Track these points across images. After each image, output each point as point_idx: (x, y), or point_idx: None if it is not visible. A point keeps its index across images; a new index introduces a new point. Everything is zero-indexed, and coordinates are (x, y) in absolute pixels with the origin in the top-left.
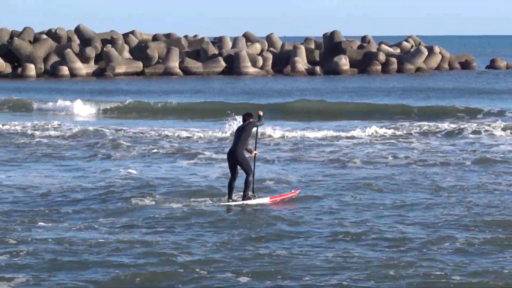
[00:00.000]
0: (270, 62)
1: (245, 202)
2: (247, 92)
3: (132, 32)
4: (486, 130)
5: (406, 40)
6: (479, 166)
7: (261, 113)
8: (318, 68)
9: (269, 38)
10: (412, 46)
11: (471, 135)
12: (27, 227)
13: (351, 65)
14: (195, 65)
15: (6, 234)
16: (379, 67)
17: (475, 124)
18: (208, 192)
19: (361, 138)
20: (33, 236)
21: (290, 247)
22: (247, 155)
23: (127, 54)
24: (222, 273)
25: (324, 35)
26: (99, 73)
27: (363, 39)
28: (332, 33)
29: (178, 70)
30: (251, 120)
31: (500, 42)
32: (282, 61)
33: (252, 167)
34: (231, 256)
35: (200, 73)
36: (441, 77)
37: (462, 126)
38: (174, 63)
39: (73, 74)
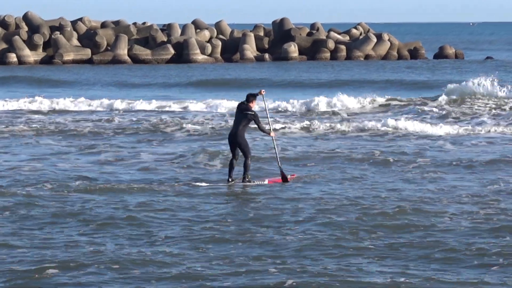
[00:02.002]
0: (219, 49)
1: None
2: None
3: (81, 19)
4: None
5: (355, 28)
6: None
7: (263, 92)
8: (267, 55)
9: (218, 25)
10: (361, 34)
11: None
12: None
13: (300, 52)
14: (144, 52)
15: None
16: (328, 54)
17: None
18: None
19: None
20: None
21: None
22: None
23: (75, 41)
24: None
25: (274, 22)
26: (47, 60)
27: (312, 26)
28: (282, 20)
29: (127, 58)
30: (253, 102)
31: (449, 29)
32: (231, 48)
33: (274, 151)
34: None
35: (149, 60)
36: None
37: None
38: (123, 50)
39: (21, 61)
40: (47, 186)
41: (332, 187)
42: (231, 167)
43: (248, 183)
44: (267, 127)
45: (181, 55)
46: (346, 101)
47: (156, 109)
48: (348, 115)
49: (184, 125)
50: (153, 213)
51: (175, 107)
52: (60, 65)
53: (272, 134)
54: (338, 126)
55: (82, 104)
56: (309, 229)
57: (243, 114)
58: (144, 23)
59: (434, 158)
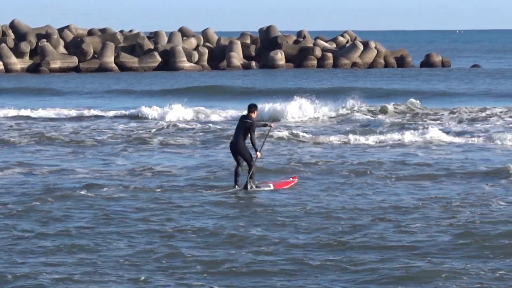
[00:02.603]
0: (206, 57)
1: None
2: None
3: (68, 27)
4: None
5: (342, 35)
6: None
7: (273, 125)
8: (253, 63)
9: (205, 33)
10: (347, 41)
11: None
12: None
13: (287, 60)
14: (130, 60)
15: None
16: (315, 62)
17: None
18: None
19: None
20: None
21: None
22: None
23: (62, 49)
24: None
25: (260, 30)
26: (34, 68)
27: (299, 34)
28: (268, 28)
29: (114, 65)
30: (255, 113)
31: (436, 36)
32: (218, 56)
33: (254, 166)
34: None
35: (136, 68)
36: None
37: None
38: (110, 58)
39: (8, 69)
40: (12, 197)
41: (303, 197)
42: (236, 174)
43: (256, 189)
44: (258, 147)
45: (168, 62)
46: (294, 113)
47: (129, 117)
48: (301, 124)
49: (160, 135)
50: (118, 222)
51: (150, 114)
52: (47, 73)
53: (258, 154)
54: (298, 135)
55: (53, 112)
56: (265, 242)
57: (242, 122)
58: (130, 30)
59: (397, 166)
